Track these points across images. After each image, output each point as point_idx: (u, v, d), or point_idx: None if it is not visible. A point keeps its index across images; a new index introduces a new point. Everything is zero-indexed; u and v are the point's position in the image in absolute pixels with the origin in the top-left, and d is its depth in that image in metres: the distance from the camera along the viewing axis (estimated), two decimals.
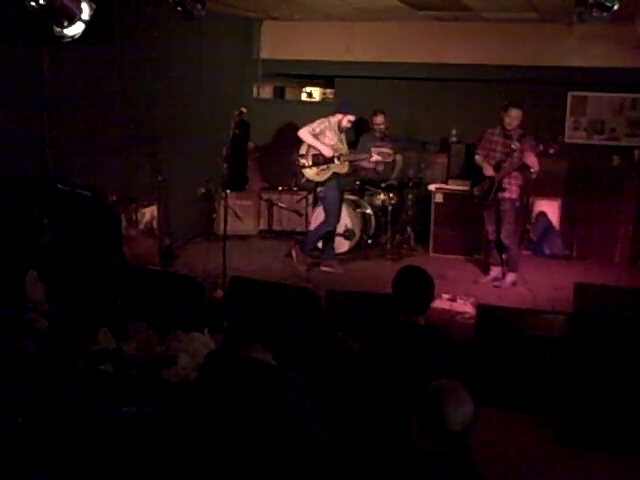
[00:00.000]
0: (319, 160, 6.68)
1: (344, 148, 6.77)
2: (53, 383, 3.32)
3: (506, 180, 6.20)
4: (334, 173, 6.70)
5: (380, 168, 7.63)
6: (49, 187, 5.46)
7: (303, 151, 6.77)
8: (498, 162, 6.23)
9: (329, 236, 6.96)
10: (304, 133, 6.68)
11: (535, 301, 5.89)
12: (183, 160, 7.60)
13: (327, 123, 6.68)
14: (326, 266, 6.86)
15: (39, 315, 4.20)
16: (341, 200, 6.96)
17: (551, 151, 5.97)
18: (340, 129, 6.73)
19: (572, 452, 3.74)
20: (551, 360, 4.15)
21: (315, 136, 6.66)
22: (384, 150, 7.09)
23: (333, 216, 6.82)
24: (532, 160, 5.98)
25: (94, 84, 6.24)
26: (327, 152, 6.62)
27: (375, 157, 6.97)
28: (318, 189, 6.84)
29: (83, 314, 4.18)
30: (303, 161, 6.76)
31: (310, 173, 6.76)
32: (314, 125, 6.67)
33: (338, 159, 6.67)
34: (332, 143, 6.66)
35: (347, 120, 6.69)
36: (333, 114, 6.72)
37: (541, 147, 5.94)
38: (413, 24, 8.18)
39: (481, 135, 6.62)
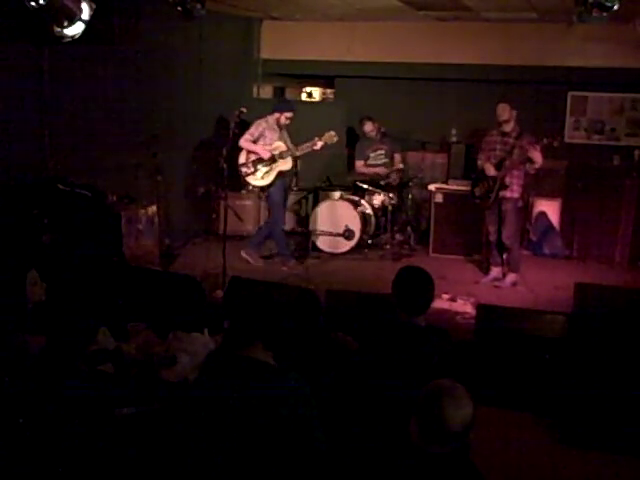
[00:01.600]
0: (261, 164, 6.71)
1: (285, 145, 6.74)
2: (53, 383, 3.32)
3: (508, 179, 6.20)
4: (279, 172, 6.71)
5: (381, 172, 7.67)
6: (49, 187, 5.47)
7: (242, 160, 6.78)
8: (499, 161, 6.23)
9: (281, 234, 7.01)
10: (244, 142, 6.70)
11: (535, 301, 5.88)
12: (183, 160, 7.61)
13: (265, 124, 6.71)
14: (285, 264, 6.90)
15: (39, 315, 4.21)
16: (285, 199, 6.95)
17: (555, 144, 5.99)
18: (280, 127, 6.73)
19: (572, 452, 3.74)
20: (551, 360, 4.15)
21: (255, 141, 6.69)
22: (328, 134, 6.78)
23: (278, 215, 6.87)
24: (536, 155, 6.01)
25: (94, 84, 6.25)
26: (265, 154, 6.63)
27: (319, 144, 6.73)
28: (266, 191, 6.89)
29: (83, 314, 4.18)
30: (245, 169, 6.77)
31: (255, 179, 6.78)
32: (252, 130, 6.72)
33: (280, 157, 6.68)
34: (271, 144, 6.65)
35: (285, 117, 6.71)
36: (271, 113, 6.73)
37: (545, 140, 5.96)
38: (413, 24, 8.18)
39: (480, 139, 6.62)
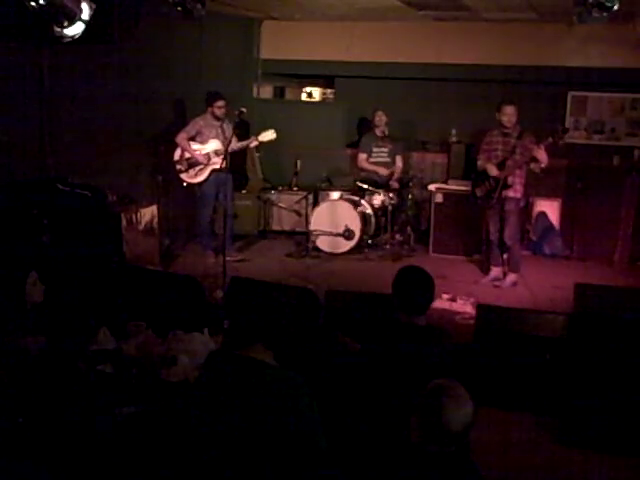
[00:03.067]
0: (195, 162, 6.70)
1: (220, 143, 6.65)
2: (53, 383, 3.32)
3: (510, 178, 6.19)
4: (212, 170, 6.68)
5: (382, 172, 7.67)
6: (49, 187, 5.47)
7: (177, 157, 6.78)
8: (502, 160, 6.22)
9: (206, 228, 7.00)
10: (180, 139, 6.71)
11: (535, 301, 5.88)
12: None
13: (202, 121, 6.70)
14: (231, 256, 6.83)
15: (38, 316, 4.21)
16: (217, 195, 6.86)
17: (561, 142, 5.98)
18: (217, 118, 6.66)
19: (572, 452, 3.74)
20: (551, 360, 4.15)
21: (192, 138, 6.69)
22: (265, 132, 6.78)
23: (207, 211, 6.85)
24: (541, 154, 5.99)
25: (94, 84, 6.25)
26: (200, 158, 6.63)
27: (254, 142, 6.79)
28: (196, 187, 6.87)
29: (83, 314, 4.18)
30: (179, 167, 6.76)
31: (188, 177, 6.76)
32: (188, 128, 6.72)
33: (215, 154, 6.64)
34: (208, 144, 6.59)
35: (217, 107, 6.65)
36: (205, 110, 6.72)
37: (550, 139, 5.94)
38: (413, 24, 8.19)
39: (480, 139, 6.60)
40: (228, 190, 6.82)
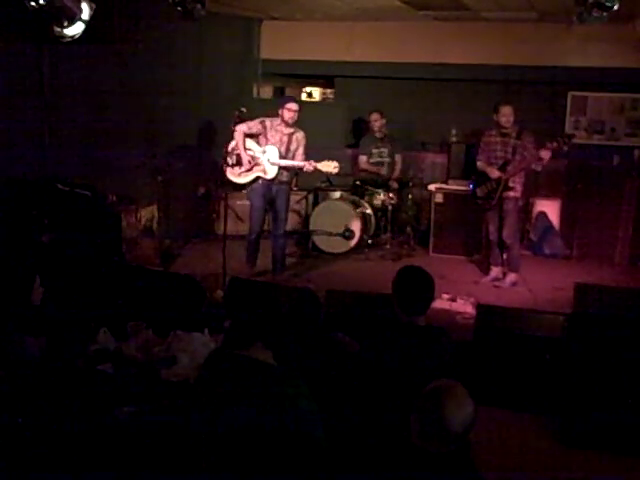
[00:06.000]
0: (241, 160, 6.24)
1: (277, 151, 6.18)
2: (53, 383, 3.32)
3: (511, 179, 6.20)
4: (257, 177, 6.24)
5: (383, 172, 7.65)
6: (49, 187, 5.47)
7: (229, 148, 6.33)
8: (504, 163, 6.21)
9: (250, 241, 6.55)
10: (238, 129, 6.22)
11: (535, 301, 5.88)
12: (183, 160, 7.61)
13: (268, 122, 6.23)
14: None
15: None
16: (266, 208, 6.40)
17: (565, 148, 5.97)
18: (286, 123, 6.20)
19: (572, 452, 3.74)
20: (551, 360, 4.15)
21: (251, 135, 6.25)
22: (328, 162, 6.21)
23: (253, 223, 6.41)
24: (547, 154, 5.92)
25: (94, 84, 6.26)
26: (245, 162, 6.17)
27: (309, 168, 6.16)
28: (244, 190, 6.43)
29: (83, 314, 4.18)
30: (228, 159, 6.28)
31: (232, 173, 6.31)
32: (251, 124, 6.24)
33: (269, 163, 6.18)
34: (264, 147, 6.17)
35: (287, 109, 6.14)
36: (276, 114, 6.28)
37: (555, 144, 5.93)
38: (413, 24, 8.18)
39: (478, 139, 6.60)
40: (282, 204, 6.40)
